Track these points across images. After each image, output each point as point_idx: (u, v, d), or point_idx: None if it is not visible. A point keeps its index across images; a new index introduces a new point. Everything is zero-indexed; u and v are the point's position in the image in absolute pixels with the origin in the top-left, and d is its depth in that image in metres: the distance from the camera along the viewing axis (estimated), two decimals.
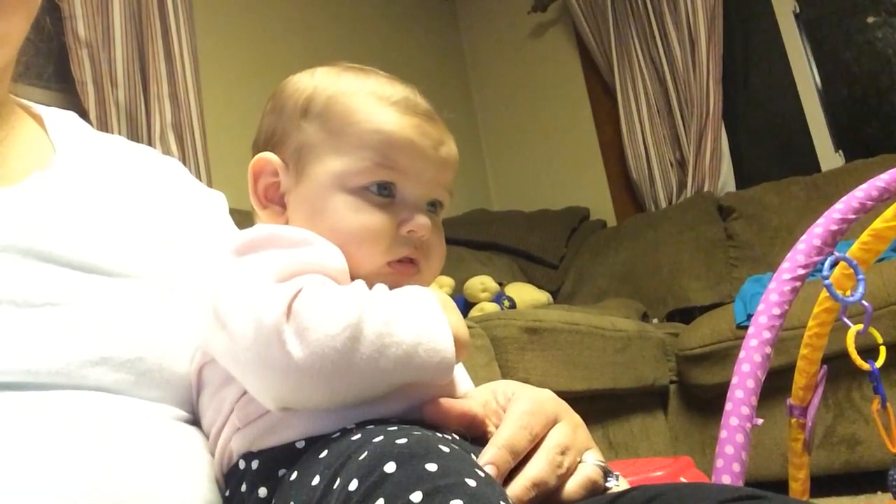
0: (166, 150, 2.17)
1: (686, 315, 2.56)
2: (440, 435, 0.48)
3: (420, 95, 0.62)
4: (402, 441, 0.44)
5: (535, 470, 0.50)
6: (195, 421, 0.57)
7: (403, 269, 0.58)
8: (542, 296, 2.55)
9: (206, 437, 0.56)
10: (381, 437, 0.45)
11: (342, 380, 0.48)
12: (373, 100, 0.59)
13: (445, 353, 0.51)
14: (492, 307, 2.25)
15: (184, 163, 2.17)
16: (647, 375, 2.10)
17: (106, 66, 2.13)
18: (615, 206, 3.30)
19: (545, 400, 0.56)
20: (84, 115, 2.06)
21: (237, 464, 0.52)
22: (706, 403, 2.16)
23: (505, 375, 1.65)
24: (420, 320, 0.51)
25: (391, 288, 0.56)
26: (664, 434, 2.19)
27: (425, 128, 0.59)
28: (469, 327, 0.57)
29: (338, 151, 0.58)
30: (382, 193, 0.57)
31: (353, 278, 0.56)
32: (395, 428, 0.46)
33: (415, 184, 0.59)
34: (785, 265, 0.88)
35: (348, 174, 0.57)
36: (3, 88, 0.64)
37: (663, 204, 3.10)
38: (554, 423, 0.54)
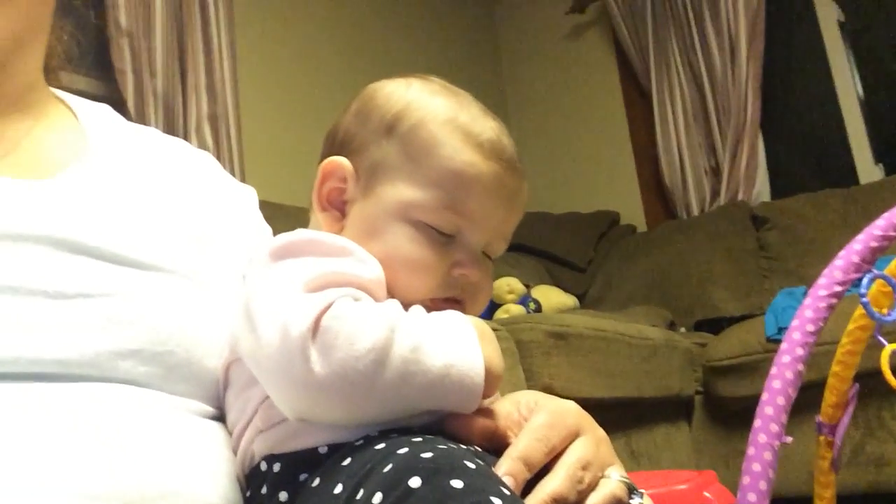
0: (201, 142, 2.19)
1: (714, 325, 2.52)
2: (465, 448, 0.47)
3: (507, 136, 0.60)
4: (428, 455, 0.43)
5: (554, 484, 0.49)
6: (222, 416, 0.57)
7: (445, 306, 0.57)
8: (569, 299, 2.54)
9: (231, 434, 0.56)
10: (406, 450, 0.44)
11: (362, 402, 0.48)
12: (460, 135, 0.58)
13: (474, 387, 0.50)
14: (517, 309, 2.24)
15: (218, 155, 2.19)
16: (673, 385, 2.08)
17: (145, 55, 2.15)
18: (646, 211, 3.26)
19: (566, 412, 0.54)
20: (122, 103, 2.08)
21: (259, 465, 0.52)
22: (732, 416, 2.12)
23: (529, 380, 1.64)
24: (452, 350, 0.50)
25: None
26: (687, 445, 2.17)
27: (505, 177, 0.58)
28: (494, 330, 0.56)
29: (412, 180, 0.57)
30: (444, 233, 0.57)
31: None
32: (420, 440, 0.46)
33: (479, 230, 0.58)
34: (821, 281, 0.86)
35: (416, 207, 0.57)
36: (25, 76, 0.62)
37: (695, 211, 3.05)
38: (575, 436, 0.53)
